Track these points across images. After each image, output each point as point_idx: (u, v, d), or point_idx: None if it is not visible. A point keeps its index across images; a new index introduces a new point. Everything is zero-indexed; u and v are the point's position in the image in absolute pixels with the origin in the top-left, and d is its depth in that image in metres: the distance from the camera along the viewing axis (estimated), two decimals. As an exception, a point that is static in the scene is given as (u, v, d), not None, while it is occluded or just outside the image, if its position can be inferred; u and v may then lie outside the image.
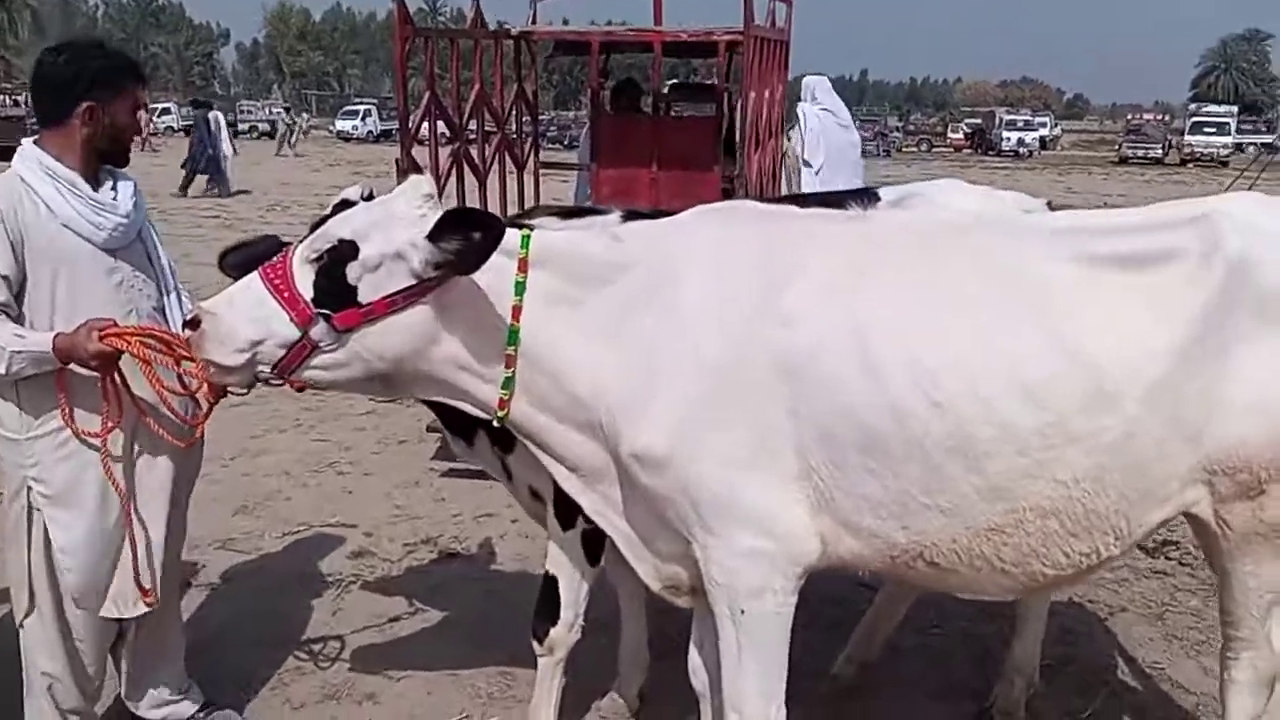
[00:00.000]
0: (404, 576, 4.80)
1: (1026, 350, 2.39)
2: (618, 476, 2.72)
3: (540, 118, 7.56)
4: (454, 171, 6.15)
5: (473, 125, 6.51)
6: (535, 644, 3.31)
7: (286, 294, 2.50)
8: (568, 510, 3.11)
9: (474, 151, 6.51)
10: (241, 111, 55.58)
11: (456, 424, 3.30)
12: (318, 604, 4.52)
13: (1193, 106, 51.48)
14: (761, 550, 2.53)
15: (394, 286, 2.50)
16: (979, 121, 55.31)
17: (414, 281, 2.49)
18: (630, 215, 3.08)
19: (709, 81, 10.71)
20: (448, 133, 6.23)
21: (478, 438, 3.32)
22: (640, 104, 8.23)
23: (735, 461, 2.50)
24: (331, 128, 53.62)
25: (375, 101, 57.27)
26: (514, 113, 7.24)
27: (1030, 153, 47.01)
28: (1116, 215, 2.74)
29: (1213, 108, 50.00)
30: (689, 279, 2.57)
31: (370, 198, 3.12)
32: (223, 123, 22.76)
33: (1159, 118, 53.58)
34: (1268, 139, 44.93)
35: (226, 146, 22.40)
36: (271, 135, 49.89)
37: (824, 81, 8.44)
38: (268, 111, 56.02)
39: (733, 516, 2.52)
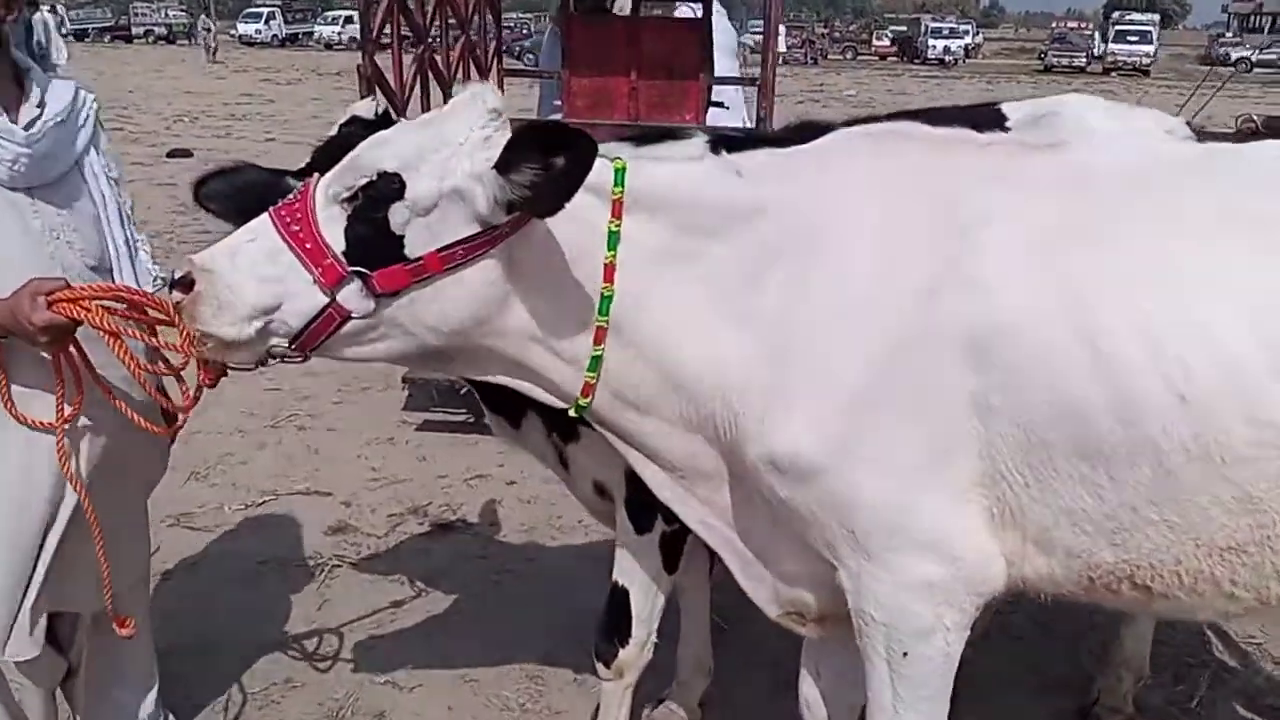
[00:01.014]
0: (394, 555, 4.17)
1: None
2: (729, 481, 2.16)
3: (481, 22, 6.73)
4: (419, 80, 5.41)
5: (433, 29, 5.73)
6: (601, 667, 2.74)
7: (309, 245, 1.90)
8: (644, 510, 2.53)
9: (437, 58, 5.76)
10: (136, 15, 52.22)
11: (498, 399, 2.65)
12: (298, 596, 3.86)
13: (1116, 14, 51.43)
14: (936, 580, 1.99)
15: (452, 235, 1.90)
16: (905, 29, 54.68)
17: (479, 229, 1.89)
18: (720, 139, 2.37)
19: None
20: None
21: (527, 419, 2.68)
22: (605, 2, 7.48)
23: (907, 468, 1.94)
24: (232, 31, 50.65)
25: (279, 3, 54.21)
26: (476, 14, 6.49)
27: (956, 61, 46.64)
28: None
29: (1136, 15, 50.10)
30: (842, 230, 1.98)
31: (385, 115, 2.46)
32: (51, 25, 21.05)
33: (1081, 25, 53.63)
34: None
35: (59, 53, 20.73)
36: (169, 40, 47.16)
37: None
38: (164, 14, 52.95)
39: (902, 538, 1.97)
